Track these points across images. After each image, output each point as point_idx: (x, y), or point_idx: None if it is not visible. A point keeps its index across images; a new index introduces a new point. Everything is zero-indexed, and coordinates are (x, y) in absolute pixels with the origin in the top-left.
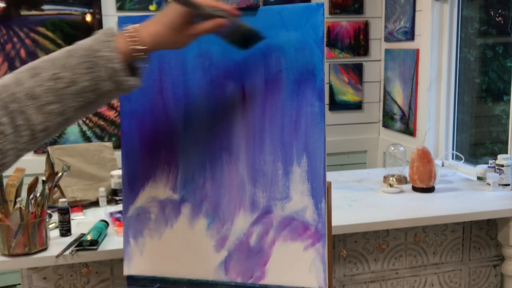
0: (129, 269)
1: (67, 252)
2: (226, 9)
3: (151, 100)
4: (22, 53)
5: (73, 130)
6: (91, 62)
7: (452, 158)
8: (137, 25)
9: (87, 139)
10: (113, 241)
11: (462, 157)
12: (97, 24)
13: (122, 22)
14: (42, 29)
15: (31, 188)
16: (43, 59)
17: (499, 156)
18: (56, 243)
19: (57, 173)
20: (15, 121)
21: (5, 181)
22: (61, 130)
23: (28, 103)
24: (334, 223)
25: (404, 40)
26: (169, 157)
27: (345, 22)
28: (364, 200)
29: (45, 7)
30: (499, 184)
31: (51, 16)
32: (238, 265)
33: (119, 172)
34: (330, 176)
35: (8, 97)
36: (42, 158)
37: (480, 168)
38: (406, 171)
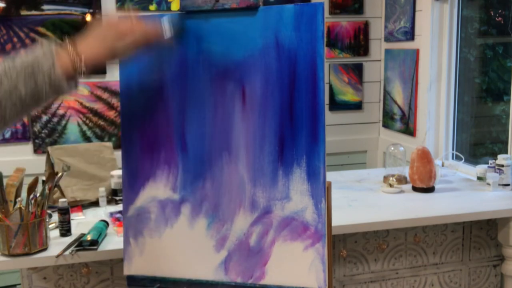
0: (129, 269)
1: (67, 252)
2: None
3: (151, 100)
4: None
5: (73, 130)
6: (31, 70)
7: (452, 158)
8: (78, 43)
9: (87, 139)
10: (113, 241)
11: (462, 157)
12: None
13: None
14: (42, 29)
15: (31, 188)
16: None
17: (499, 156)
18: (56, 243)
19: (57, 173)
20: None
21: (5, 181)
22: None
23: None
24: (334, 223)
25: (404, 40)
26: (169, 157)
27: (345, 22)
28: (364, 200)
29: (45, 7)
30: (499, 184)
31: (51, 16)
32: (238, 265)
33: (119, 172)
34: (330, 176)
35: None
36: (42, 158)
37: (480, 168)
38: (406, 171)
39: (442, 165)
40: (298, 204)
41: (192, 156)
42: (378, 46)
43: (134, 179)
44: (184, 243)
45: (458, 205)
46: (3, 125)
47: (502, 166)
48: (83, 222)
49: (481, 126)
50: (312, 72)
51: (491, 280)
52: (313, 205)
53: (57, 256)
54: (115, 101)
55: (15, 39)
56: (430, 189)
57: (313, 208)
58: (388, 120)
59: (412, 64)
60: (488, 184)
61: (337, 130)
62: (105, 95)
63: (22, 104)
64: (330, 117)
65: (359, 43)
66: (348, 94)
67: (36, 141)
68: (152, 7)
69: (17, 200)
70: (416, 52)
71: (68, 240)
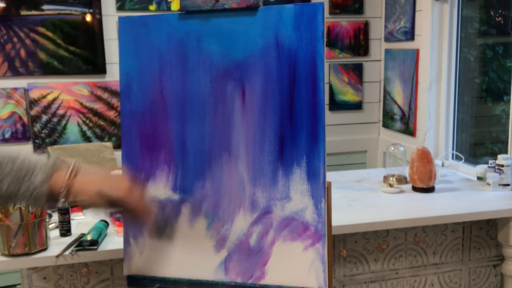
0: (129, 269)
1: (67, 252)
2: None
3: (151, 100)
4: (22, 53)
5: (73, 130)
6: (22, 177)
7: (452, 158)
8: (79, 173)
9: (87, 139)
10: (113, 241)
11: (462, 157)
12: (97, 24)
13: (122, 22)
14: (42, 29)
15: None
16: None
17: (499, 156)
18: (56, 243)
19: None
20: None
21: None
22: None
23: None
24: (334, 223)
25: (404, 40)
26: (169, 157)
27: (345, 22)
28: (364, 200)
29: (45, 7)
30: (499, 184)
31: (51, 16)
32: (238, 265)
33: (119, 172)
34: (330, 176)
35: None
36: (42, 158)
37: (480, 168)
38: (406, 171)
39: (442, 165)
40: (298, 204)
41: (192, 156)
42: (378, 46)
43: (134, 179)
44: (184, 243)
45: (458, 205)
46: None
47: (502, 166)
48: (83, 222)
49: (481, 126)
50: (312, 72)
51: (491, 280)
52: (313, 205)
53: (57, 256)
54: (115, 101)
55: (15, 39)
56: (430, 189)
57: (313, 208)
58: (388, 120)
59: (412, 64)
60: (488, 184)
61: (337, 130)
62: (105, 95)
63: None
64: (330, 117)
65: (359, 43)
66: (348, 94)
67: (36, 141)
68: (152, 7)
69: None
70: (416, 52)
71: (68, 240)
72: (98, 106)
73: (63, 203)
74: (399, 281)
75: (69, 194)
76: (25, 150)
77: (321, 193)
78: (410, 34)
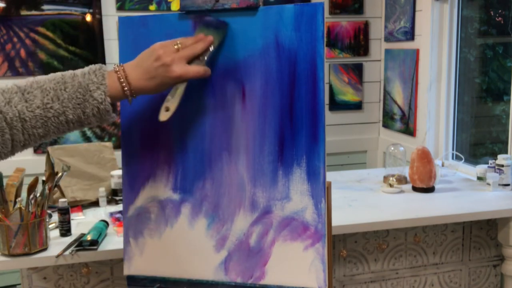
0: (129, 269)
1: (67, 252)
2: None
3: (151, 100)
4: (22, 53)
5: None
6: (81, 99)
7: (452, 158)
8: (125, 66)
9: (87, 139)
10: (113, 241)
11: (462, 157)
12: (97, 24)
13: (122, 22)
14: (42, 29)
15: (31, 188)
16: (33, 83)
17: (499, 156)
18: (56, 243)
19: (57, 173)
20: (3, 136)
21: (5, 181)
22: (38, 144)
23: (17, 124)
24: (334, 223)
25: (404, 40)
26: (169, 157)
27: (345, 22)
28: (364, 200)
29: (45, 7)
30: (499, 184)
31: (51, 16)
32: (238, 265)
33: (119, 172)
34: (330, 176)
35: None
36: (42, 158)
37: (480, 168)
38: (406, 171)
39: (442, 165)
40: (298, 204)
41: (192, 156)
42: (378, 46)
43: (134, 179)
44: (184, 243)
45: (458, 205)
46: (24, 149)
47: (502, 166)
48: (83, 222)
49: (481, 126)
50: (312, 72)
51: (491, 280)
52: (313, 205)
53: (57, 256)
54: None
55: (15, 39)
56: (430, 189)
57: (313, 208)
58: (388, 120)
59: (412, 64)
60: (488, 184)
61: (337, 130)
62: None
63: (64, 128)
64: (330, 117)
65: (359, 43)
66: (348, 94)
67: None
68: (152, 7)
69: (17, 200)
70: (416, 52)
71: (68, 240)
72: None
73: (130, 101)
74: (399, 281)
75: (133, 92)
76: (25, 150)
77: (321, 193)
78: (410, 34)
